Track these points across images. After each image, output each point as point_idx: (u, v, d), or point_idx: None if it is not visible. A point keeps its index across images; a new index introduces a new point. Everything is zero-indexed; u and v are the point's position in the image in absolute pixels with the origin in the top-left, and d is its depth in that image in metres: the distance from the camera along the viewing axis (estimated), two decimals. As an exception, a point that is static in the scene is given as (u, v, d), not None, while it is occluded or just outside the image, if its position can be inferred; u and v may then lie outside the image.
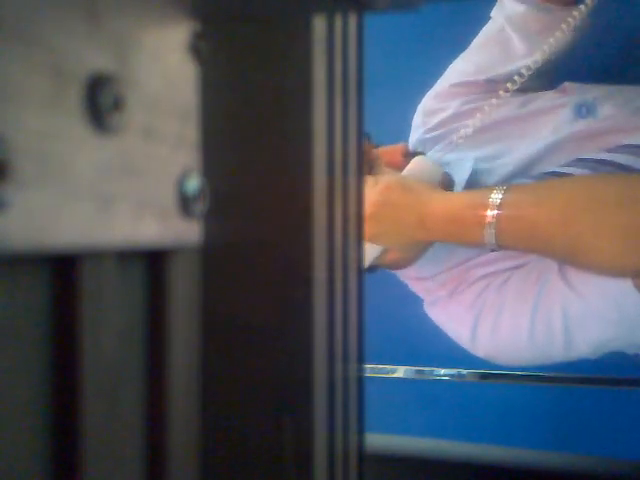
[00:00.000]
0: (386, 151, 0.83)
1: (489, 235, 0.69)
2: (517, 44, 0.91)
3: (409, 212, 0.73)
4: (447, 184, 0.79)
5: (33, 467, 0.23)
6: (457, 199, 0.74)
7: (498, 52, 0.92)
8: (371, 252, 0.77)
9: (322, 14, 0.32)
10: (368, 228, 0.73)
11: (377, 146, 0.85)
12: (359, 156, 0.37)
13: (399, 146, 0.85)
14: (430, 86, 0.98)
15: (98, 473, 0.25)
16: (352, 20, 0.36)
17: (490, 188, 0.71)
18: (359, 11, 0.36)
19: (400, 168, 0.80)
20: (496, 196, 0.69)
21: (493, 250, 0.72)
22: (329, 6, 0.31)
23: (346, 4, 0.31)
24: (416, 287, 0.90)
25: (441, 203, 0.73)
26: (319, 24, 0.32)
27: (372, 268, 0.80)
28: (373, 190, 0.74)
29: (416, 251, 0.82)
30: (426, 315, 0.87)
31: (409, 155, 0.82)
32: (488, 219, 0.68)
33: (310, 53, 0.31)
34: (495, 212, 0.68)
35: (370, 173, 0.78)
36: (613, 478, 0.81)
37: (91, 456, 0.24)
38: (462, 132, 0.83)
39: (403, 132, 0.99)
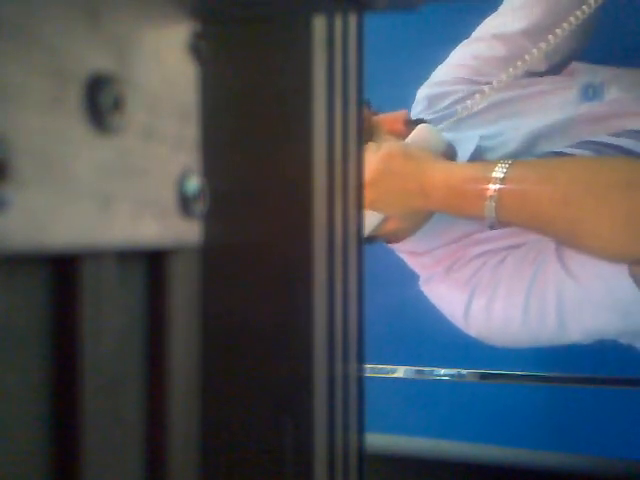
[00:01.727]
0: (387, 118, 0.81)
1: (489, 208, 0.68)
2: (516, 35, 0.90)
3: (410, 180, 0.72)
4: (450, 154, 0.78)
5: (33, 467, 0.23)
6: (460, 170, 0.73)
7: (498, 45, 0.92)
8: (371, 220, 0.76)
9: (322, 14, 0.32)
10: (368, 194, 0.71)
11: (377, 113, 0.83)
12: (359, 156, 0.37)
13: (400, 113, 0.83)
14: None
15: (98, 473, 0.25)
16: (352, 20, 0.36)
17: (494, 162, 0.70)
18: (359, 11, 0.36)
19: (401, 136, 0.78)
20: (499, 170, 0.68)
21: (492, 226, 0.71)
22: (329, 6, 0.31)
23: (346, 4, 0.31)
24: (412, 262, 0.89)
25: (443, 173, 0.71)
26: (319, 24, 0.32)
27: (371, 238, 0.79)
28: (374, 157, 0.73)
29: (415, 221, 0.81)
30: (426, 314, 0.87)
31: (410, 123, 0.81)
32: (490, 192, 0.68)
33: (310, 53, 0.31)
34: (497, 186, 0.67)
35: (370, 140, 0.76)
36: (613, 478, 0.81)
37: (91, 456, 0.24)
38: (468, 103, 0.82)
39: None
